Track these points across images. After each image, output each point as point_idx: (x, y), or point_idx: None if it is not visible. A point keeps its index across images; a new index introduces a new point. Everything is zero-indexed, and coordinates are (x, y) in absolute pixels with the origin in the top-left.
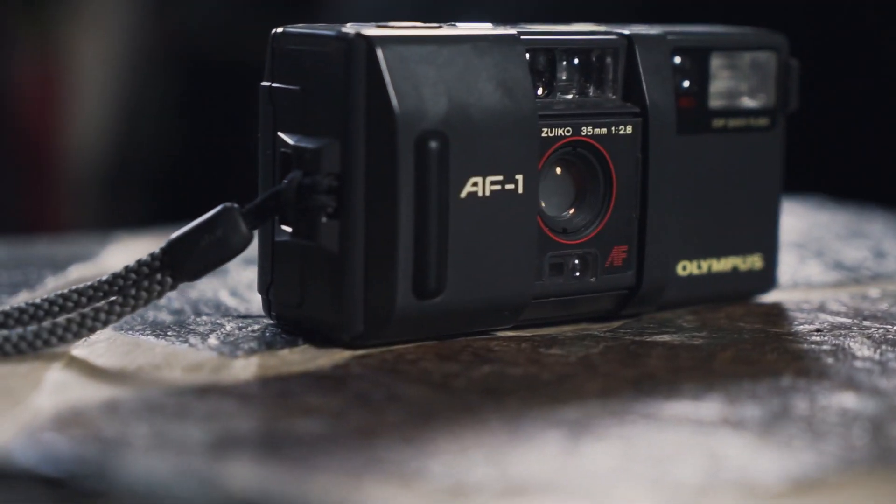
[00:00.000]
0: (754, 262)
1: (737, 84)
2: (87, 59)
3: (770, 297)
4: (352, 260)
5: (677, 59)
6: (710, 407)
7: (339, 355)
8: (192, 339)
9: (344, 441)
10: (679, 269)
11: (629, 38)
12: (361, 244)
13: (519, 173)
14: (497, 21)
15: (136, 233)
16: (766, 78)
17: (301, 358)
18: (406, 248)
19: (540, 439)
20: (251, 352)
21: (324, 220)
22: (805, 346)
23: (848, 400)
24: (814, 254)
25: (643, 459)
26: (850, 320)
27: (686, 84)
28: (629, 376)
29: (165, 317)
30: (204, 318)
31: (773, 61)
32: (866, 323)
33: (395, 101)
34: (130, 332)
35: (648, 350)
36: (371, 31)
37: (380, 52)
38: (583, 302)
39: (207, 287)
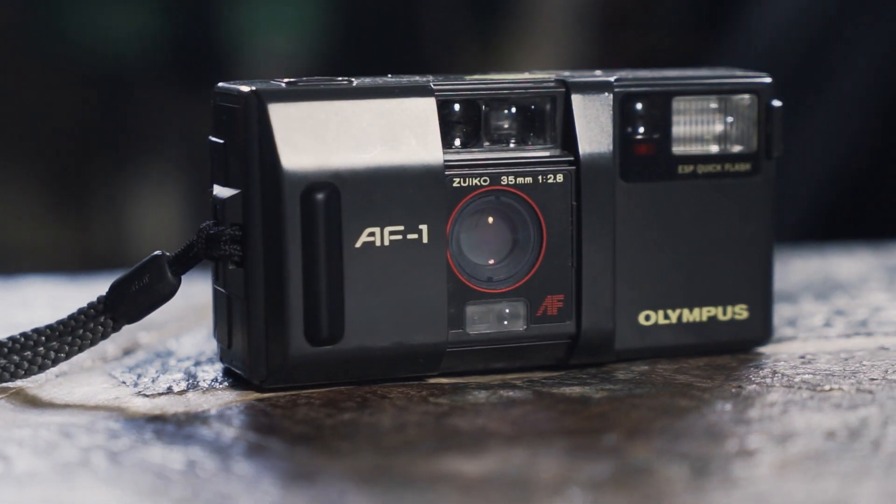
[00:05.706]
0: (737, 312)
1: (706, 129)
2: None
3: (769, 349)
4: (255, 307)
5: (638, 106)
6: (472, 465)
7: (243, 397)
8: (143, 380)
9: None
10: (641, 319)
11: (567, 85)
12: (262, 292)
13: (423, 223)
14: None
15: None
16: (744, 121)
17: (202, 400)
18: (297, 297)
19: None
20: (166, 392)
21: (231, 267)
22: (693, 404)
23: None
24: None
25: None
26: (788, 378)
27: (642, 130)
28: (451, 431)
29: (165, 354)
30: (180, 358)
31: (753, 104)
32: (801, 380)
33: (281, 155)
34: (104, 368)
35: (529, 404)
36: (272, 87)
37: (271, 108)
38: (516, 351)
39: None
